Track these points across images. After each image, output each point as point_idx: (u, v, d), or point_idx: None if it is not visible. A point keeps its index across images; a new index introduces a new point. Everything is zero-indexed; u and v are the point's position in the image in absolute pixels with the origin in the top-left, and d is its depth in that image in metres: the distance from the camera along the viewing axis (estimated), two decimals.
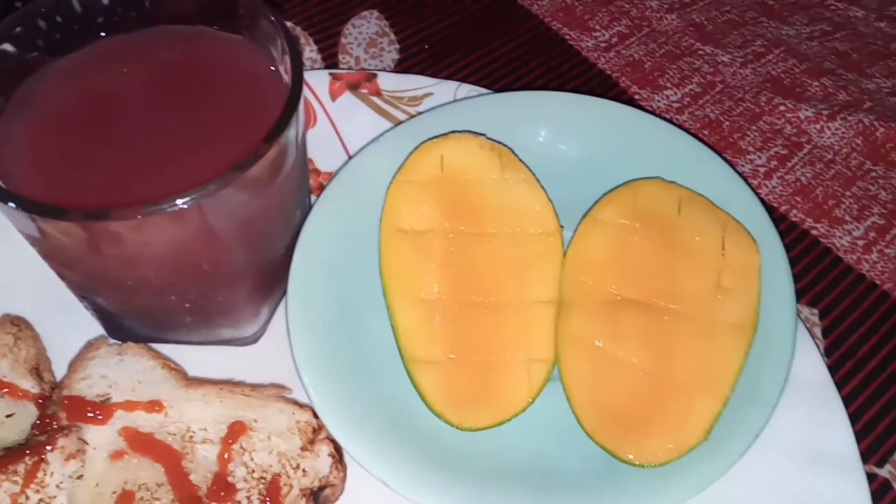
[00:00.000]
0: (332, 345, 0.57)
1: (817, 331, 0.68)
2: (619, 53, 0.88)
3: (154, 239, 0.46)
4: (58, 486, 0.49)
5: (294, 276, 0.59)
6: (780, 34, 0.91)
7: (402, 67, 0.84)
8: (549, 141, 0.68)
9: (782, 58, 0.88)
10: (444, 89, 0.76)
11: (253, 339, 0.62)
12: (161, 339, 0.60)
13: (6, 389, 0.54)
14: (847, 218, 0.76)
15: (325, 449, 0.53)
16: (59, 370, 0.58)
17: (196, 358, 0.60)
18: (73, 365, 0.56)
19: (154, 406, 0.54)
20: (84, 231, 0.45)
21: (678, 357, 0.55)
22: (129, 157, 0.51)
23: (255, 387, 0.57)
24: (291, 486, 0.52)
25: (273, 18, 0.53)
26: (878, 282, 0.72)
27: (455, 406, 0.56)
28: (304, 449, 0.53)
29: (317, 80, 0.76)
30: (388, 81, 0.76)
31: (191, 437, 0.53)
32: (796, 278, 0.71)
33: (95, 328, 0.61)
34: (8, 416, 0.53)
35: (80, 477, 0.51)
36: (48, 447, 0.50)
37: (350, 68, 0.84)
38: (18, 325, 0.58)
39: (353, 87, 0.76)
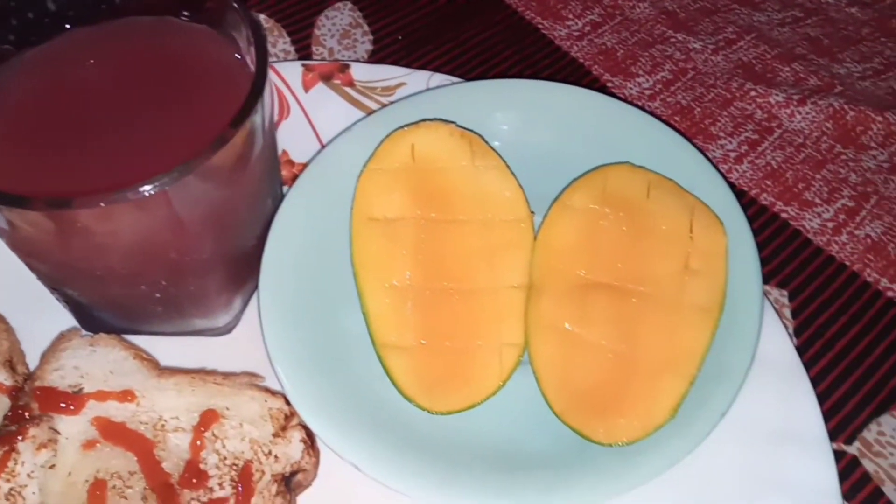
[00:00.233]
0: (304, 333, 0.58)
1: (787, 312, 0.69)
2: (591, 42, 0.88)
3: (120, 227, 0.46)
4: (29, 476, 0.49)
5: (266, 265, 0.59)
6: (751, 21, 0.92)
7: (375, 58, 0.84)
8: (519, 128, 0.68)
9: (753, 44, 0.89)
10: (416, 79, 0.76)
11: (227, 330, 0.63)
12: (134, 331, 0.60)
13: None
14: (817, 200, 0.76)
15: (297, 435, 0.54)
16: (33, 363, 0.58)
17: (170, 349, 0.60)
18: (46, 356, 0.56)
19: (126, 396, 0.54)
20: (48, 220, 0.45)
21: (646, 338, 0.56)
22: (96, 147, 0.51)
23: (227, 375, 0.57)
24: (263, 472, 0.52)
25: (238, 7, 0.53)
26: (847, 263, 0.72)
27: (426, 390, 0.56)
28: (276, 435, 0.54)
29: (290, 72, 0.76)
30: (361, 72, 0.77)
31: (163, 425, 0.53)
32: (766, 261, 0.72)
33: (68, 320, 0.61)
34: None
35: (52, 466, 0.51)
36: (19, 437, 0.50)
37: (323, 59, 0.84)
38: None
39: (326, 78, 0.76)
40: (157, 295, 0.55)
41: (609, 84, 0.84)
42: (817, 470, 0.57)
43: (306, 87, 0.76)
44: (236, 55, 0.55)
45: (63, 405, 0.53)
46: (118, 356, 0.56)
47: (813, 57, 0.88)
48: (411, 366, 0.57)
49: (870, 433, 0.63)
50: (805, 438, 0.58)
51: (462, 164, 0.62)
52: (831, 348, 0.68)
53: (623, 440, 0.53)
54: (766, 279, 0.71)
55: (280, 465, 0.52)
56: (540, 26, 0.89)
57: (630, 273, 0.58)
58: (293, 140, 0.72)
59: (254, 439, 0.53)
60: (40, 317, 0.60)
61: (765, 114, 0.83)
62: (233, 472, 0.52)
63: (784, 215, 0.75)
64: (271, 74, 0.74)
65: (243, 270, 0.60)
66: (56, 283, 0.56)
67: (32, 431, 0.51)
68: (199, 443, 0.53)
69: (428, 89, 0.73)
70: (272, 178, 0.61)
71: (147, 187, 0.44)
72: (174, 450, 0.53)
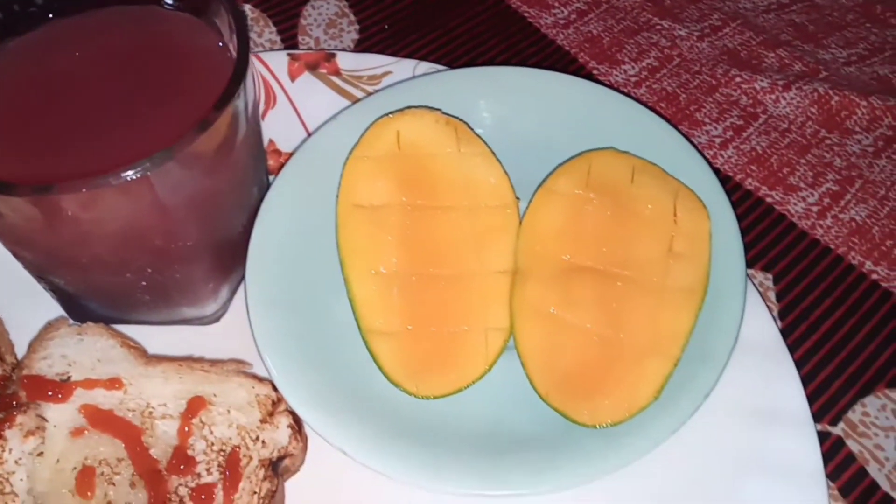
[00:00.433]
0: (291, 320, 0.58)
1: (772, 295, 0.70)
2: (577, 30, 0.88)
3: (104, 213, 0.47)
4: (16, 463, 0.50)
5: (253, 253, 0.59)
6: (736, 7, 0.92)
7: (361, 48, 0.85)
8: (504, 114, 0.68)
9: (739, 31, 0.89)
10: (402, 67, 0.76)
11: (214, 318, 0.63)
12: (122, 320, 0.60)
13: None
14: (802, 185, 0.77)
15: (284, 421, 0.54)
16: (21, 352, 0.58)
17: (158, 338, 0.60)
18: (33, 345, 0.56)
19: (114, 384, 0.54)
20: (32, 206, 0.45)
21: (630, 321, 0.56)
22: (81, 135, 0.51)
23: (214, 362, 0.57)
24: (251, 458, 0.52)
25: None
26: (832, 246, 0.73)
27: (413, 375, 0.56)
28: (263, 421, 0.54)
29: (276, 61, 0.76)
30: (347, 61, 0.77)
31: (150, 412, 0.54)
32: (751, 244, 0.72)
33: (56, 310, 0.61)
34: None
35: (40, 454, 0.51)
36: (7, 424, 0.50)
37: (310, 49, 0.84)
38: None
39: (312, 68, 0.76)
40: (144, 283, 0.55)
41: (595, 71, 0.85)
42: (801, 450, 0.57)
43: (292, 77, 0.76)
44: (219, 43, 0.55)
45: (50, 393, 0.53)
46: (105, 344, 0.56)
47: (798, 43, 0.89)
48: (397, 351, 0.57)
49: (854, 414, 0.64)
50: (788, 419, 0.58)
51: (447, 150, 0.62)
52: (816, 330, 0.68)
53: (607, 421, 0.53)
54: (752, 263, 0.72)
55: (267, 451, 0.53)
56: (526, 14, 0.89)
57: (614, 257, 0.58)
58: (280, 130, 0.73)
59: (241, 425, 0.53)
60: (28, 306, 0.61)
61: (750, 99, 0.83)
62: (220, 458, 0.52)
63: (769, 200, 0.76)
64: (257, 64, 0.75)
65: (230, 259, 0.61)
66: (42, 271, 0.56)
67: (20, 419, 0.51)
68: (186, 429, 0.53)
69: (414, 77, 0.74)
70: (257, 166, 0.62)
71: (130, 172, 0.44)
72: (162, 436, 0.53)
